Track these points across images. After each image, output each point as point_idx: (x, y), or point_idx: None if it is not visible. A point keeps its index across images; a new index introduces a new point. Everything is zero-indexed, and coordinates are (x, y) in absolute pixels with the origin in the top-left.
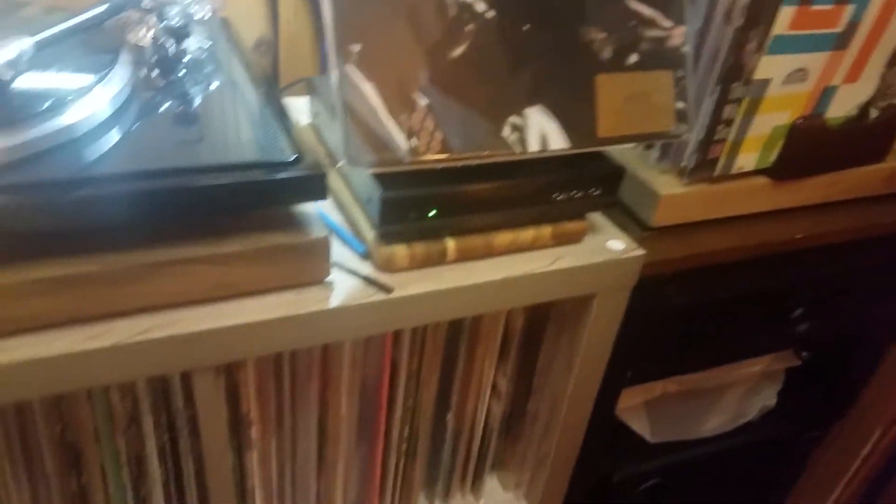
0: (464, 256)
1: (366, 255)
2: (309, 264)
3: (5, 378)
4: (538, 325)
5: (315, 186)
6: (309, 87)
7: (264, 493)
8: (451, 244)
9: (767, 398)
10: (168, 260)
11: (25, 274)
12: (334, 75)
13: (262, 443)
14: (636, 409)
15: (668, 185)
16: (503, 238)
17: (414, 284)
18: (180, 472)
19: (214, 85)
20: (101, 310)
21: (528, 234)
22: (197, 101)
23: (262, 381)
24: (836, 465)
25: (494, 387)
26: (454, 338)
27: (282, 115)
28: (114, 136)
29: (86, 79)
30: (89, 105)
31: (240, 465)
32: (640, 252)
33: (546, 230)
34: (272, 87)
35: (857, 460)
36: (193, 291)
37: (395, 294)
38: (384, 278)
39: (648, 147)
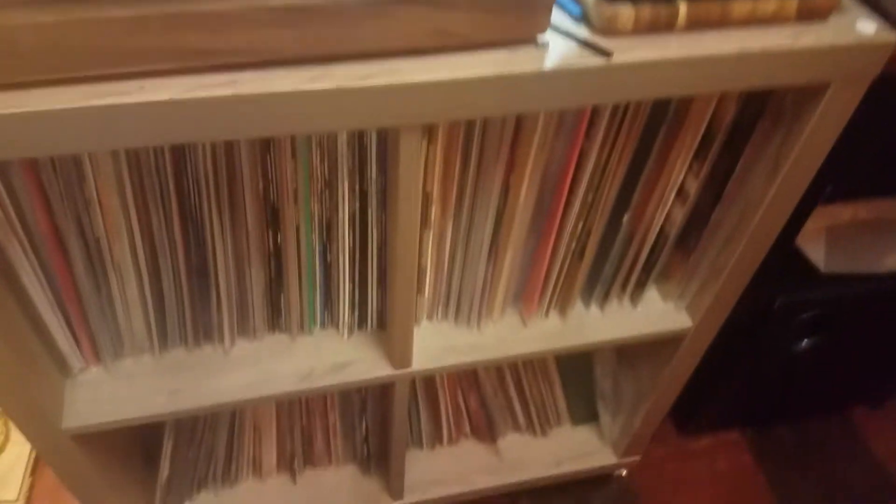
0: (695, 24)
1: (582, 19)
2: (528, 16)
3: (234, 111)
4: (748, 121)
5: None
6: None
7: (436, 273)
8: (683, 8)
9: None
10: None
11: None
12: None
13: (440, 223)
14: (815, 234)
15: None
16: (742, 7)
17: (635, 51)
18: (365, 242)
19: None
20: (324, 49)
21: (769, 4)
22: None
23: (449, 158)
24: None
25: (681, 189)
26: (652, 128)
27: None
28: None
29: None
30: None
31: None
32: (894, 38)
33: (791, 2)
34: None
35: None
36: (412, 37)
37: (614, 60)
38: (603, 42)
39: None
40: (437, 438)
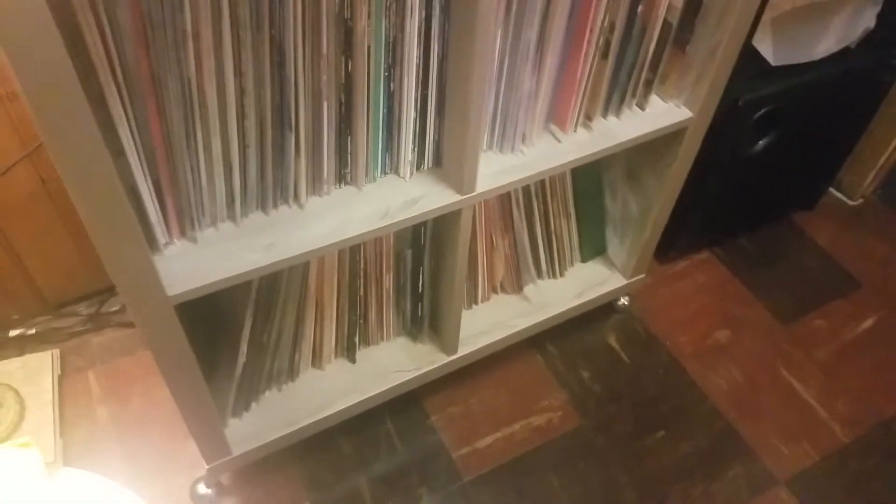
0: None
1: None
2: None
3: None
4: None
5: None
6: None
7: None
8: None
9: (869, 20)
10: None
11: None
12: None
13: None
14: (764, 31)
15: None
16: None
17: None
18: (428, 61)
19: None
20: None
21: None
22: None
23: None
24: None
25: None
26: None
27: None
28: None
29: None
30: None
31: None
32: None
33: None
34: None
35: None
36: None
37: None
38: None
39: None
40: (474, 297)
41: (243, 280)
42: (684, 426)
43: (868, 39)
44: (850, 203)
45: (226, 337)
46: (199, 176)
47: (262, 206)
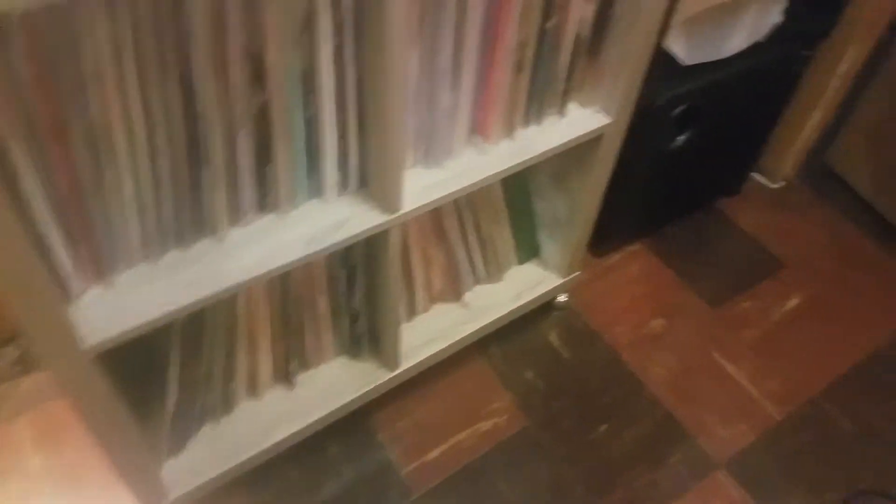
0: None
1: None
2: None
3: None
4: None
5: None
6: None
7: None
8: None
9: (775, 15)
10: None
11: None
12: None
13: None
14: (675, 32)
15: None
16: None
17: None
18: (343, 85)
19: None
20: None
21: None
22: None
23: None
24: (818, 84)
25: None
26: None
27: None
28: None
29: None
30: None
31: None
32: None
33: None
34: None
35: (835, 78)
36: None
37: None
38: None
39: None
40: (412, 310)
41: (165, 322)
42: (626, 417)
43: (776, 33)
44: (773, 186)
45: (156, 373)
46: (112, 219)
47: (181, 242)
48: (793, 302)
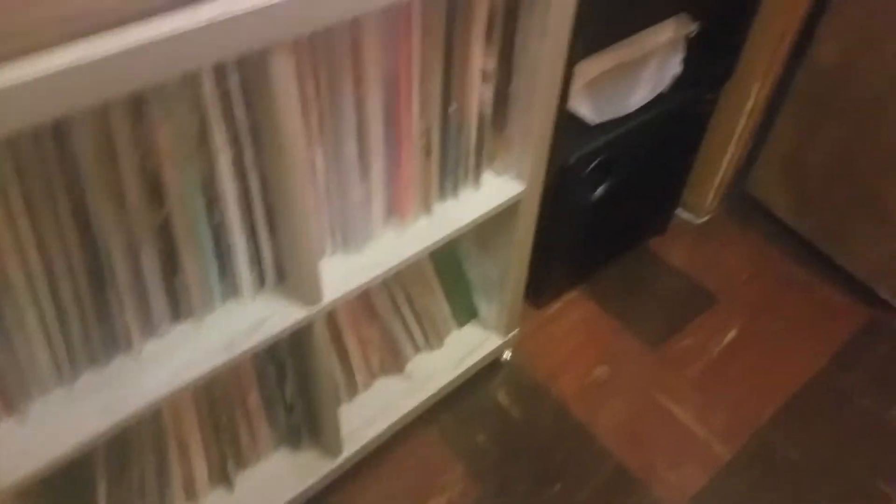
0: None
1: None
2: None
3: (127, 60)
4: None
5: None
6: None
7: (316, 204)
8: None
9: (675, 66)
10: None
11: None
12: None
13: (309, 154)
14: (579, 95)
15: None
16: None
17: None
18: (247, 189)
19: None
20: None
21: None
22: None
23: (303, 83)
24: (727, 123)
25: (485, 73)
26: (451, 21)
27: None
28: None
29: None
30: None
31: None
32: None
33: None
34: None
35: (743, 116)
36: None
37: None
38: None
39: None
40: (353, 389)
41: (84, 450)
42: (578, 473)
43: (679, 81)
44: (698, 221)
45: (84, 493)
46: (17, 351)
47: (95, 363)
48: (730, 335)
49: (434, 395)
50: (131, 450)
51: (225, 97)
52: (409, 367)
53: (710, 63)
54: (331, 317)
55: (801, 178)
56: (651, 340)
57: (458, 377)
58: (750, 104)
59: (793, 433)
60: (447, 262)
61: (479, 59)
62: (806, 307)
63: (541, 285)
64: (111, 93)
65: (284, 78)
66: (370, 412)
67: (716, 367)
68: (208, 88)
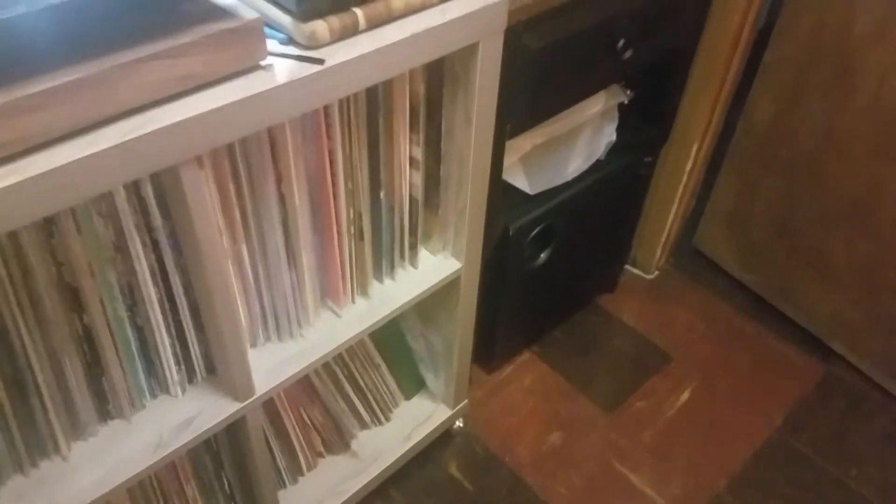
0: (373, 22)
1: (289, 41)
2: (250, 45)
3: (28, 194)
4: (437, 89)
5: None
6: None
7: (246, 298)
8: (360, 13)
9: (609, 135)
10: (138, 58)
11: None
12: None
13: (234, 250)
14: (515, 168)
15: None
16: (398, 2)
17: (338, 54)
18: (170, 291)
19: None
20: (90, 116)
21: None
22: None
23: (223, 186)
24: (669, 183)
25: (412, 159)
26: (373, 116)
27: None
28: None
29: None
30: None
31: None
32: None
33: None
34: None
35: (685, 175)
36: (164, 86)
37: (327, 64)
38: (313, 54)
39: None
40: (297, 470)
41: None
42: None
43: (615, 148)
44: (648, 277)
45: None
46: None
47: (21, 468)
48: (684, 396)
49: (383, 472)
50: None
51: (142, 204)
52: (356, 444)
53: (646, 128)
54: (269, 401)
55: (745, 233)
56: (605, 404)
57: (408, 452)
58: (690, 164)
59: (750, 499)
60: (389, 336)
61: (405, 148)
62: (760, 364)
63: (491, 349)
64: (17, 223)
65: (197, 187)
66: (316, 494)
67: (671, 431)
68: (121, 200)
